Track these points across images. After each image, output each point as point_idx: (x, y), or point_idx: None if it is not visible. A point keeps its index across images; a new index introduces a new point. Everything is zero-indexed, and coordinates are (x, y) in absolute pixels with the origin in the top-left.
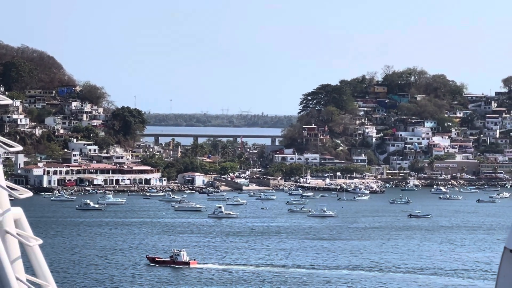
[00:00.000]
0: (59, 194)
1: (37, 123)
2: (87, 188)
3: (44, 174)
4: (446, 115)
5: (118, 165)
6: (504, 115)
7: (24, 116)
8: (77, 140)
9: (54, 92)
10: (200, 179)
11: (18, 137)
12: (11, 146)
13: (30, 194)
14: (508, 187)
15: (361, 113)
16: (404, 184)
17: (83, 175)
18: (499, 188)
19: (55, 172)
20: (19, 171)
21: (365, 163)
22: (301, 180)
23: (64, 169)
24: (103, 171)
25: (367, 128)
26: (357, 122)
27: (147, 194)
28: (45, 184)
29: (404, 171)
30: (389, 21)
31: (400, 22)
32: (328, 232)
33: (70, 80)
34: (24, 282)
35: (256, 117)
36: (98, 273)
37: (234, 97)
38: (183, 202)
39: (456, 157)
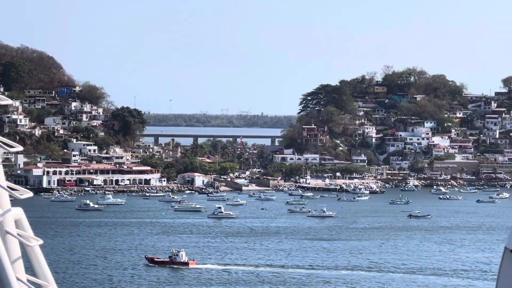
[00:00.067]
0: (58, 195)
1: (36, 123)
2: (86, 189)
3: (43, 174)
4: (446, 115)
5: (117, 165)
6: (504, 115)
7: (24, 117)
8: (76, 141)
9: (53, 92)
10: (199, 180)
11: (17, 138)
12: (12, 147)
13: (30, 194)
14: (508, 187)
15: (361, 113)
16: (404, 184)
17: (83, 175)
18: (498, 189)
19: (54, 173)
20: (18, 172)
21: (365, 164)
22: (301, 180)
23: (63, 170)
24: (102, 172)
25: (367, 128)
26: (357, 122)
27: (147, 194)
28: (44, 185)
29: (404, 172)
30: (389, 21)
31: (400, 22)
32: (327, 233)
33: (70, 80)
34: (24, 282)
35: (256, 117)
36: (97, 273)
37: (233, 97)
38: (182, 203)
39: (456, 158)
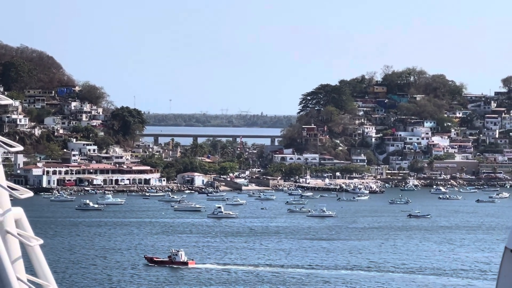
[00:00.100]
0: (58, 194)
1: (36, 123)
2: (86, 188)
3: (43, 174)
4: (445, 115)
5: (117, 165)
6: (503, 115)
7: (24, 116)
8: (76, 140)
9: (53, 92)
10: (199, 179)
11: (17, 137)
12: (12, 146)
13: (30, 194)
14: (508, 187)
15: (361, 113)
16: (403, 184)
17: (83, 175)
18: (498, 188)
19: (54, 172)
20: (18, 171)
21: (365, 163)
22: (301, 180)
23: (63, 169)
24: (102, 171)
25: (367, 128)
26: (357, 122)
27: (147, 194)
28: (44, 184)
29: (404, 171)
30: (388, 21)
31: (400, 22)
32: (327, 232)
33: (70, 80)
34: (25, 282)
35: (256, 117)
36: (97, 273)
37: (233, 97)
38: (182, 202)
39: (455, 157)
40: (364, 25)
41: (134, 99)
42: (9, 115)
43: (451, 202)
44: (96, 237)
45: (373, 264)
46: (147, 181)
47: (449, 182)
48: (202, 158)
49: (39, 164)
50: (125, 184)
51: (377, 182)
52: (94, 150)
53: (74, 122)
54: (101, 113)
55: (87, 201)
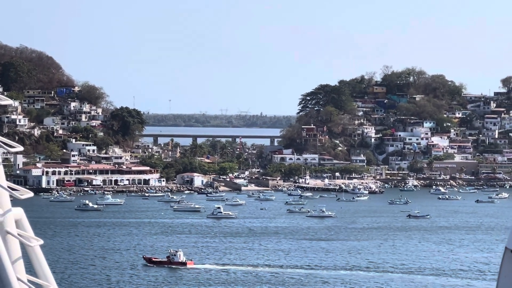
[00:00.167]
0: (58, 195)
1: (36, 123)
2: (86, 189)
3: (43, 174)
4: (445, 115)
5: (117, 165)
6: (503, 115)
7: (23, 117)
8: (76, 141)
9: (53, 92)
10: (199, 180)
11: (17, 138)
12: (12, 147)
13: (31, 194)
14: (507, 187)
15: (360, 113)
16: (403, 184)
17: (82, 175)
18: (498, 189)
19: (54, 173)
20: (18, 172)
21: (364, 164)
22: (300, 180)
23: (63, 170)
24: (102, 172)
25: (366, 128)
26: (356, 122)
27: (146, 194)
28: (44, 185)
29: (403, 172)
30: (388, 21)
31: (399, 22)
32: (326, 233)
33: (69, 80)
34: (25, 282)
35: (255, 117)
36: (96, 273)
37: (233, 97)
38: (182, 203)
39: (455, 158)
40: (364, 25)
41: (134, 99)
42: (8, 115)
43: (451, 203)
44: (95, 237)
45: (372, 264)
46: (146, 182)
47: (449, 183)
48: (202, 158)
49: (39, 165)
50: (124, 185)
51: (376, 182)
52: (93, 151)
53: (73, 122)
54: (100, 114)
55: (87, 202)
